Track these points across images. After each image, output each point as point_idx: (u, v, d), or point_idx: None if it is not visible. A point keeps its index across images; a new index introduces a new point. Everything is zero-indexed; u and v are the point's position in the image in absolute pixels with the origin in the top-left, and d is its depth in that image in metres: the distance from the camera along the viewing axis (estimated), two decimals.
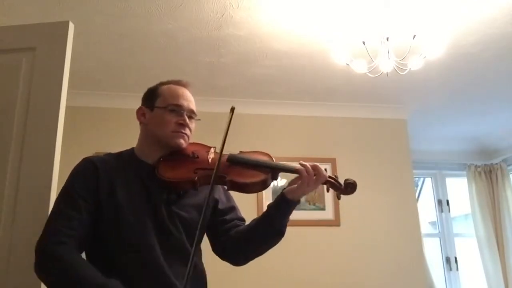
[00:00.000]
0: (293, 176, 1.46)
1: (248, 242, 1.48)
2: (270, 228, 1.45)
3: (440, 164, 5.04)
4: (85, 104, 3.66)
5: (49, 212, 1.39)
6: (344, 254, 3.73)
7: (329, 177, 1.46)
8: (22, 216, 1.55)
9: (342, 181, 1.48)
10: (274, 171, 1.45)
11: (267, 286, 3.56)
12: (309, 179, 1.40)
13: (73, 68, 1.79)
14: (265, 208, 1.50)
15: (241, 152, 1.53)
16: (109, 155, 1.50)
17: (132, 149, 1.52)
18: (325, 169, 1.46)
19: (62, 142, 1.66)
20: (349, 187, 1.47)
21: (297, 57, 3.21)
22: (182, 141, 1.46)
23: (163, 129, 1.45)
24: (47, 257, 1.26)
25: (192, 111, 1.50)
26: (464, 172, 5.04)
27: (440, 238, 4.92)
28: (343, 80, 3.55)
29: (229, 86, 3.65)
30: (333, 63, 3.00)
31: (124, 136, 3.82)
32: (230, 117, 1.38)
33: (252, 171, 1.44)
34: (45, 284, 1.28)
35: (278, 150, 3.86)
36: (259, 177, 1.42)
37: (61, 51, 1.71)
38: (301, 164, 1.42)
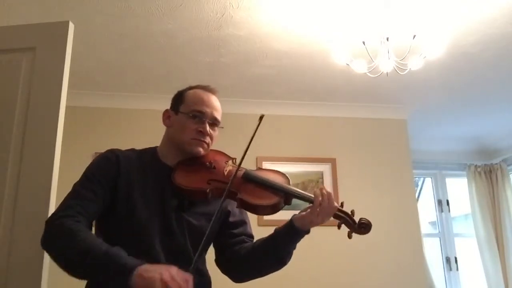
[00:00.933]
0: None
1: (249, 263, 1.46)
2: (273, 255, 1.43)
3: (440, 164, 5.04)
4: (85, 104, 3.65)
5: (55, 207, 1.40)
6: (344, 254, 3.72)
7: (344, 212, 1.41)
8: (22, 216, 1.55)
9: (357, 219, 1.42)
10: (287, 196, 1.41)
11: (266, 285, 3.55)
12: (321, 209, 1.36)
13: (73, 68, 1.79)
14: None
15: (259, 168, 1.51)
16: (132, 151, 1.50)
17: (155, 148, 1.53)
18: (341, 203, 1.42)
19: (62, 142, 1.66)
20: (363, 227, 1.40)
21: (297, 57, 3.21)
22: (200, 149, 1.45)
23: (183, 135, 1.45)
24: (54, 227, 1.27)
25: (215, 119, 1.49)
26: (464, 172, 5.04)
27: (440, 238, 4.92)
28: (343, 80, 3.55)
29: (229, 86, 3.64)
30: (333, 63, 3.00)
31: (124, 136, 3.84)
32: (256, 128, 1.35)
33: (265, 192, 1.40)
34: (50, 254, 1.29)
35: (278, 150, 3.87)
36: (271, 200, 1.39)
37: (61, 51, 1.71)
38: (319, 190, 1.38)
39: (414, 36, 2.58)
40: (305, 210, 1.41)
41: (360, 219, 1.41)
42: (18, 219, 1.55)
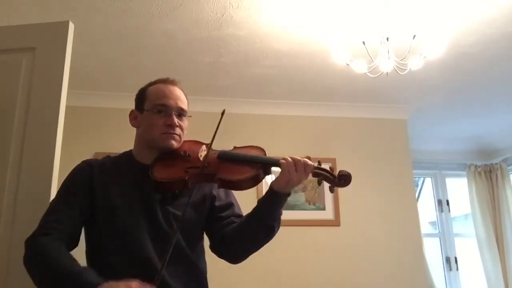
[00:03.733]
0: None
1: (240, 239, 1.45)
2: (260, 223, 1.41)
3: (440, 164, 5.04)
4: (85, 104, 3.66)
5: None
6: (344, 254, 3.73)
7: (320, 168, 1.40)
8: (22, 216, 1.55)
9: (337, 173, 1.40)
10: (265, 165, 1.40)
11: (266, 285, 3.56)
12: (289, 169, 1.33)
13: (73, 68, 1.79)
14: None
15: (235, 147, 1.50)
16: (107, 157, 1.50)
17: (130, 150, 1.53)
18: (318, 161, 1.41)
19: (62, 142, 1.66)
20: (343, 179, 1.38)
21: (297, 57, 3.21)
22: (173, 141, 1.44)
23: (152, 132, 1.43)
24: (30, 247, 1.28)
25: (181, 109, 1.46)
26: (464, 172, 5.04)
27: (440, 238, 4.92)
28: (343, 80, 3.55)
29: (229, 86, 3.65)
30: (333, 63, 3.00)
31: (124, 136, 3.82)
32: (220, 118, 1.36)
33: (242, 167, 1.40)
34: (29, 274, 1.28)
35: (278, 150, 3.82)
36: (249, 173, 1.38)
37: (61, 51, 1.71)
38: (284, 158, 1.36)
39: (414, 36, 2.58)
40: (280, 173, 1.39)
41: (340, 171, 1.39)
42: (18, 219, 1.55)
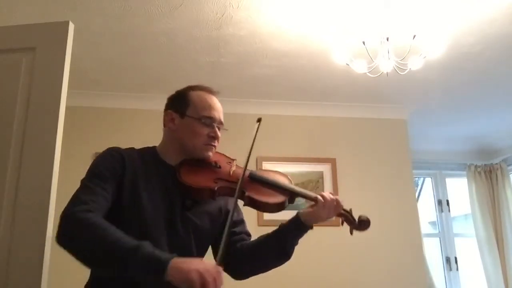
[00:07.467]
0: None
1: (253, 258, 1.48)
2: (279, 249, 1.46)
3: (440, 164, 5.04)
4: (85, 104, 3.65)
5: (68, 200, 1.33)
6: (344, 254, 3.73)
7: (346, 210, 1.51)
8: (22, 216, 1.55)
9: (356, 217, 1.52)
10: (292, 195, 1.47)
11: (266, 285, 3.55)
12: (324, 208, 1.43)
13: (73, 68, 1.79)
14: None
15: (261, 170, 1.56)
16: (132, 150, 1.48)
17: (154, 147, 1.52)
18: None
19: (62, 142, 1.66)
20: (362, 224, 1.51)
21: (297, 57, 3.21)
22: (210, 153, 1.47)
23: (194, 141, 1.45)
24: (74, 221, 1.22)
25: (221, 123, 1.51)
26: (464, 172, 5.04)
27: (440, 238, 4.93)
28: (343, 80, 3.55)
29: (229, 86, 3.64)
30: (333, 63, 3.00)
31: (124, 136, 3.83)
32: (256, 129, 1.42)
33: (271, 191, 1.46)
34: (69, 249, 1.22)
35: (278, 150, 3.87)
36: (277, 198, 1.44)
37: (61, 51, 1.71)
38: (321, 195, 1.45)
39: (414, 36, 2.58)
40: (310, 207, 1.46)
41: (359, 216, 1.51)
42: (18, 218, 1.55)
